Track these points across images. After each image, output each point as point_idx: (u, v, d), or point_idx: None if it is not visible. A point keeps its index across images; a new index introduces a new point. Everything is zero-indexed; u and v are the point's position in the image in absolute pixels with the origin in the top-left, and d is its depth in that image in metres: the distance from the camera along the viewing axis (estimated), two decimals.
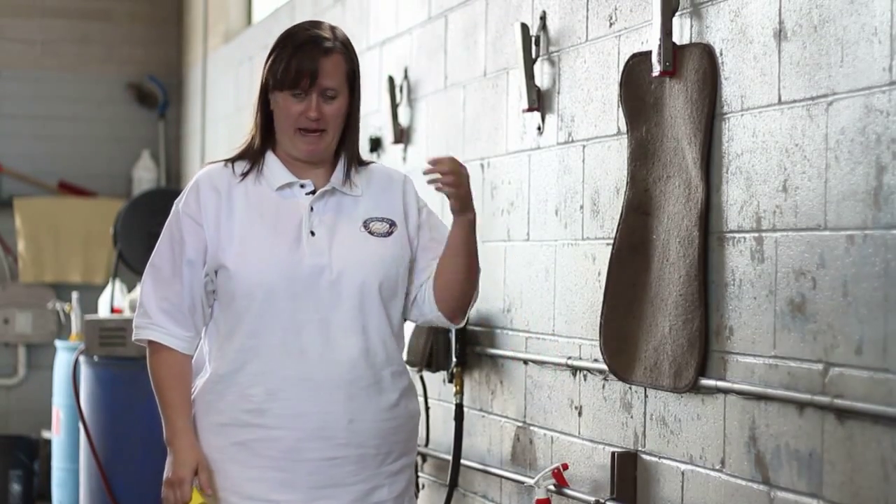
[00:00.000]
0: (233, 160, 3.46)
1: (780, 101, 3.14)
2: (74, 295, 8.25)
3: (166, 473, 3.50)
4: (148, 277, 3.45)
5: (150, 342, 3.43)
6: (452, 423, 4.73)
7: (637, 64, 3.68)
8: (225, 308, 3.40)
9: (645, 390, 3.68)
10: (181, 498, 3.44)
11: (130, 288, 8.37)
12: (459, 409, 4.73)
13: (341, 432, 3.38)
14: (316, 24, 3.48)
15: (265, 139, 3.45)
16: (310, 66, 3.36)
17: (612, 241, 3.77)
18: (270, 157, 3.44)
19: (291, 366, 3.37)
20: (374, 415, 3.40)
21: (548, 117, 4.24)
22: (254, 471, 3.37)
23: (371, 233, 3.44)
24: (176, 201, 3.47)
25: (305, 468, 3.37)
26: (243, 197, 3.41)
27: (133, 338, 3.48)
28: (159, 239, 3.47)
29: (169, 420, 3.50)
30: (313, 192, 3.42)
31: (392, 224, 3.47)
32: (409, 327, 4.84)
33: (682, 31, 3.52)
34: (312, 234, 3.38)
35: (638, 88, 3.67)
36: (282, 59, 3.39)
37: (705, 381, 3.38)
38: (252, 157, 3.45)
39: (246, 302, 3.36)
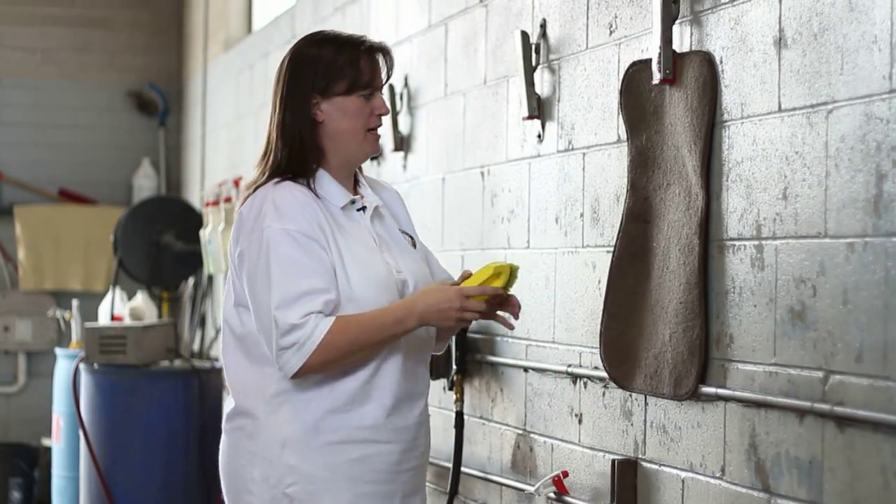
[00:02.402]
0: (290, 179, 3.36)
1: (780, 109, 3.15)
2: (75, 303, 8.26)
3: (448, 317, 3.29)
4: (272, 305, 3.23)
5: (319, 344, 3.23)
6: (453, 431, 4.73)
7: (637, 72, 3.69)
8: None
9: (645, 398, 3.68)
10: (475, 308, 3.28)
11: (130, 296, 8.38)
12: (460, 416, 4.73)
13: (423, 441, 3.48)
14: (339, 32, 3.52)
15: (316, 155, 3.40)
16: (379, 64, 3.41)
17: (612, 249, 3.77)
18: (324, 175, 3.40)
19: (403, 381, 3.40)
20: (428, 421, 3.53)
21: (548, 125, 4.25)
22: (365, 486, 3.37)
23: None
24: (265, 224, 3.27)
25: (402, 479, 3.43)
26: (330, 217, 3.36)
27: (292, 368, 3.23)
28: (257, 272, 3.27)
29: (397, 320, 3.28)
30: (363, 209, 3.42)
31: (411, 237, 3.52)
32: None
33: (683, 39, 3.52)
34: (381, 250, 3.40)
35: (638, 96, 3.68)
36: (349, 63, 3.37)
37: (705, 389, 3.38)
38: (307, 175, 3.38)
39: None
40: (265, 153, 3.44)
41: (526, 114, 4.29)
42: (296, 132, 3.38)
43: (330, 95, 3.37)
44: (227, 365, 3.45)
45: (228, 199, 7.27)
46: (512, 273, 3.33)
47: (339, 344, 3.24)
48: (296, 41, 3.49)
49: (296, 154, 3.38)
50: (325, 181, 3.39)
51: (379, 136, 3.46)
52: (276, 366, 3.28)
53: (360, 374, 3.34)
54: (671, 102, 3.53)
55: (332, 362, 3.27)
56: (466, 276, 3.39)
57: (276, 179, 3.37)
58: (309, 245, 3.28)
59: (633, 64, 3.71)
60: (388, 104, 3.47)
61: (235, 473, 3.40)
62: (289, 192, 3.32)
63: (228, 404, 3.47)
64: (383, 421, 3.37)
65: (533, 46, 4.28)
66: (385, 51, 3.44)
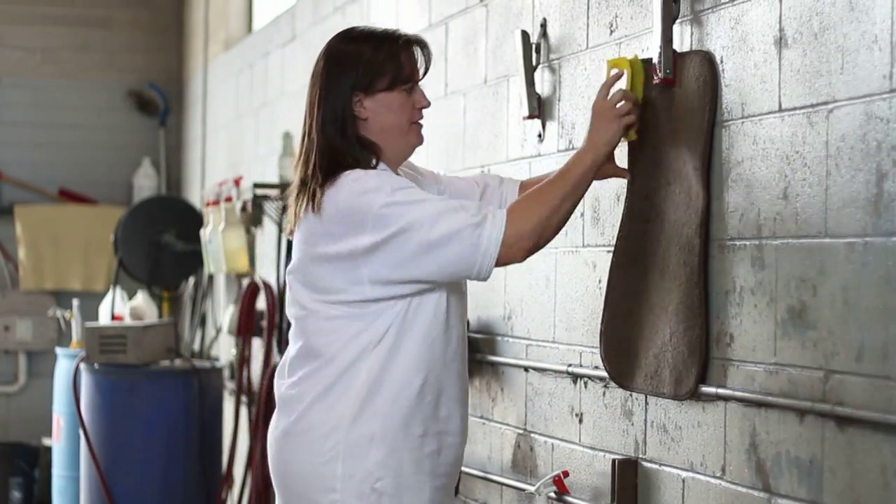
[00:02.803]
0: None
1: (780, 109, 3.15)
2: (75, 302, 8.26)
3: (609, 119, 3.41)
4: (455, 219, 3.25)
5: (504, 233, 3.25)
6: None
7: None
8: (415, 314, 3.37)
9: (646, 397, 3.68)
10: (619, 98, 3.42)
11: (131, 295, 8.38)
12: None
13: (467, 432, 3.56)
14: (373, 28, 3.55)
15: (375, 150, 3.42)
16: (417, 58, 3.44)
17: (612, 249, 3.77)
18: (386, 169, 3.43)
19: (463, 375, 3.50)
20: None
21: (548, 124, 4.25)
22: (440, 479, 3.44)
23: None
24: (376, 186, 3.28)
25: (457, 472, 3.52)
26: None
27: (497, 235, 3.23)
28: (399, 222, 3.26)
29: (576, 162, 3.37)
30: None
31: None
32: None
33: (683, 39, 3.52)
34: None
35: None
36: (389, 58, 3.39)
37: (706, 389, 3.38)
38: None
39: (440, 306, 3.40)
40: (307, 154, 3.41)
41: (526, 113, 4.29)
42: (338, 130, 3.38)
43: (373, 92, 3.38)
44: (298, 366, 3.46)
45: (229, 199, 7.28)
46: (632, 64, 3.47)
47: (532, 200, 3.29)
48: (329, 40, 3.50)
49: (341, 152, 3.37)
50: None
51: (421, 127, 3.49)
52: (483, 264, 3.26)
53: (433, 368, 3.39)
54: (672, 102, 3.53)
55: (534, 218, 3.27)
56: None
57: (348, 172, 3.36)
58: (421, 190, 3.35)
59: None
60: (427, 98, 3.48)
61: (311, 473, 3.38)
62: (375, 172, 3.35)
63: (291, 407, 3.45)
64: (453, 413, 3.45)
65: (533, 46, 4.28)
66: (422, 44, 3.46)
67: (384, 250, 3.29)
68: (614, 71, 3.49)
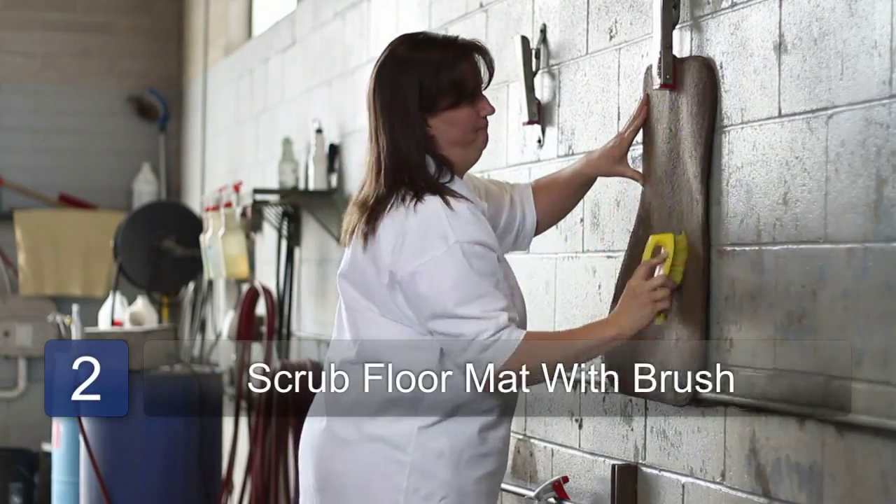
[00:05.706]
0: (439, 191, 3.30)
1: (780, 114, 3.15)
2: (75, 308, 8.24)
3: (645, 312, 3.27)
4: (464, 307, 3.18)
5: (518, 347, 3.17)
6: None
7: (644, 77, 3.68)
8: None
9: (645, 403, 3.68)
10: (656, 283, 3.29)
11: (131, 301, 8.37)
12: None
13: None
14: (428, 33, 3.51)
15: (449, 164, 3.35)
16: (479, 66, 3.37)
17: (612, 254, 3.77)
18: (462, 186, 3.36)
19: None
20: None
21: (548, 130, 4.25)
22: (492, 498, 3.40)
23: None
24: (447, 233, 3.21)
25: (498, 490, 3.47)
26: None
27: (494, 371, 3.16)
28: (442, 279, 3.20)
29: (599, 336, 3.26)
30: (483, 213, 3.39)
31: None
32: None
33: (683, 44, 3.52)
34: None
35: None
36: (451, 75, 3.32)
37: (706, 394, 3.38)
38: (445, 187, 3.32)
39: None
40: (377, 170, 3.33)
41: (526, 119, 4.29)
42: (411, 149, 3.31)
43: (437, 112, 3.32)
44: (358, 370, 3.36)
45: (228, 204, 7.28)
46: (676, 242, 3.34)
47: (541, 354, 3.20)
48: (389, 49, 3.40)
49: (418, 168, 3.31)
50: (465, 192, 3.35)
51: (486, 129, 3.39)
52: (477, 363, 3.19)
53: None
54: (672, 108, 3.53)
55: (534, 365, 3.20)
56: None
57: (429, 193, 3.28)
58: (493, 258, 3.27)
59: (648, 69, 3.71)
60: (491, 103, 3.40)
61: (373, 483, 3.31)
62: (464, 205, 3.26)
63: (349, 412, 3.37)
64: (508, 432, 3.41)
65: (533, 51, 4.28)
66: (483, 51, 3.39)
67: (413, 293, 3.23)
68: (657, 250, 3.36)
